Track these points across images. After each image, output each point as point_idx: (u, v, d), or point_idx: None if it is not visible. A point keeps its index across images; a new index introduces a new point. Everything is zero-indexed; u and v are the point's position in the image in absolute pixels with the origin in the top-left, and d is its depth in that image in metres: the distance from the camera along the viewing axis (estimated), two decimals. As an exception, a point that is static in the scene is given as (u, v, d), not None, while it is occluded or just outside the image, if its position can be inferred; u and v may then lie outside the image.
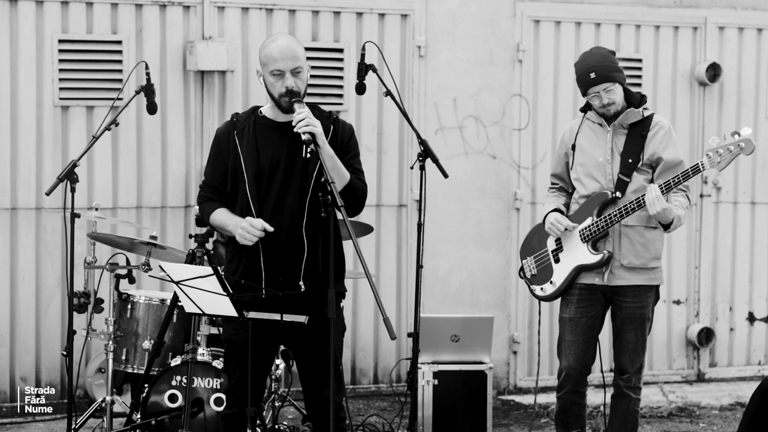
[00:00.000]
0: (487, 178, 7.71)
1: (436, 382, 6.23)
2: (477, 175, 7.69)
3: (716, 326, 8.23)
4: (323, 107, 4.74)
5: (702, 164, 5.15)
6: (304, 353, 4.65)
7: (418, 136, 5.45)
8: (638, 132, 5.33)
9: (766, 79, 8.23)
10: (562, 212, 5.46)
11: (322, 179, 4.34)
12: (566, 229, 5.35)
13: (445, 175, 5.43)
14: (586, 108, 5.47)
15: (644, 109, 5.37)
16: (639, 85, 7.98)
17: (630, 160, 5.30)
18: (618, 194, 5.29)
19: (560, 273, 5.45)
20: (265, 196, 4.54)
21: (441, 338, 6.27)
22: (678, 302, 8.18)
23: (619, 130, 5.35)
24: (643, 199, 5.19)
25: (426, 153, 5.41)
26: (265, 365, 4.67)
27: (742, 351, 8.33)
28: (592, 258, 5.33)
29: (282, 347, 5.94)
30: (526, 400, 7.54)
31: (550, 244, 5.51)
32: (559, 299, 5.53)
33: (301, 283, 4.52)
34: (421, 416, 6.15)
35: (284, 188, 4.53)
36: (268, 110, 4.64)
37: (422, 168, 5.43)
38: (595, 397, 6.73)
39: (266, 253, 4.52)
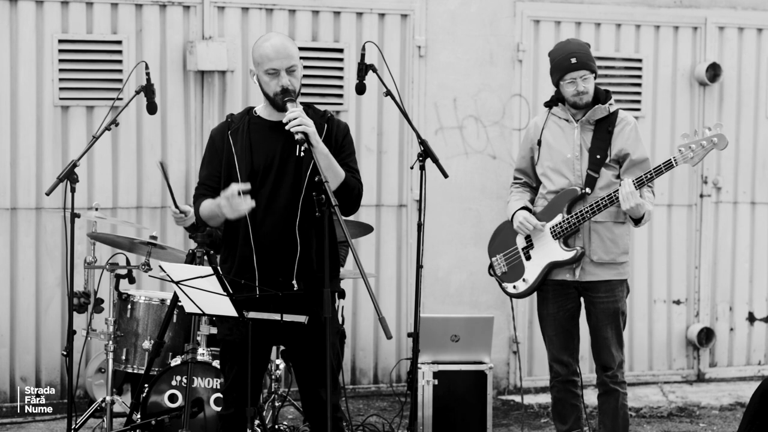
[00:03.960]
0: (487, 178, 7.71)
1: (436, 382, 6.24)
2: (477, 175, 7.69)
3: (716, 326, 8.24)
4: (323, 107, 4.74)
5: (674, 160, 5.18)
6: (298, 353, 4.64)
7: (418, 136, 5.45)
8: (605, 128, 5.37)
9: (766, 79, 8.23)
10: (529, 210, 5.49)
11: (316, 178, 4.32)
12: (535, 228, 5.38)
13: (445, 175, 5.44)
14: (551, 103, 5.50)
15: (610, 104, 5.40)
16: (639, 85, 7.99)
17: (598, 156, 5.35)
18: (587, 190, 5.32)
19: (532, 270, 5.48)
20: (257, 195, 4.52)
21: (441, 338, 6.28)
22: (678, 302, 8.18)
23: (586, 126, 5.40)
24: (615, 194, 5.21)
25: (426, 153, 5.42)
26: (260, 365, 4.66)
27: (742, 351, 8.33)
28: (566, 255, 5.37)
29: (282, 347, 5.95)
30: (527, 400, 7.54)
31: (520, 242, 5.54)
32: (537, 298, 5.58)
33: (294, 282, 4.51)
34: (421, 416, 6.15)
35: (277, 187, 4.52)
36: (262, 110, 4.64)
37: (422, 168, 5.44)
38: (594, 397, 6.73)
39: (259, 253, 4.51)
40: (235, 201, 4.35)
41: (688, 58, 8.08)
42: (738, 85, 8.19)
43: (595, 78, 5.38)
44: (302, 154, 4.50)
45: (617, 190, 5.21)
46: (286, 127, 4.38)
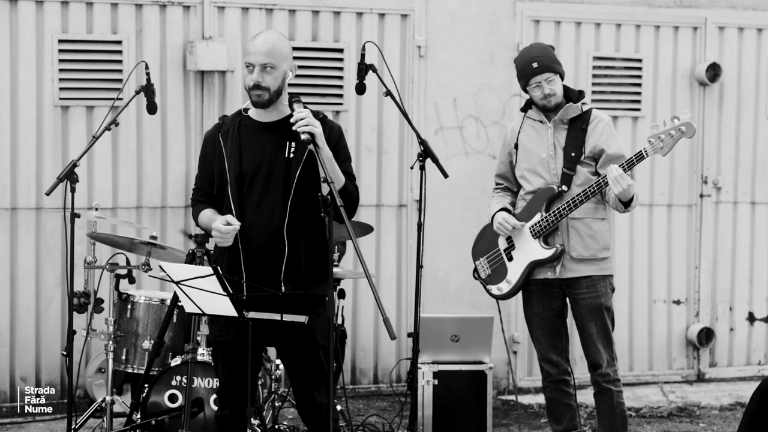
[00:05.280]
0: (487, 178, 7.70)
1: (436, 382, 6.23)
2: (477, 175, 7.69)
3: (716, 326, 8.23)
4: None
5: (645, 151, 5.22)
6: (290, 355, 4.65)
7: (418, 136, 5.45)
8: (578, 126, 5.41)
9: (766, 79, 8.23)
10: (509, 211, 5.51)
11: (322, 179, 4.33)
12: (514, 228, 5.40)
13: (445, 175, 5.44)
14: (526, 107, 5.55)
15: (582, 104, 5.44)
16: (639, 84, 7.99)
17: (572, 154, 5.38)
18: (564, 188, 5.35)
19: (515, 271, 5.51)
20: (246, 197, 4.53)
21: (441, 338, 6.28)
22: (678, 302, 8.18)
23: (560, 126, 5.44)
24: (589, 190, 5.26)
25: (426, 153, 5.42)
26: (252, 366, 4.61)
27: (742, 351, 8.33)
28: (545, 253, 5.39)
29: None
30: (527, 400, 7.55)
31: (502, 243, 5.57)
32: (522, 298, 5.59)
33: (281, 284, 4.50)
34: (421, 416, 6.15)
35: (266, 189, 4.52)
36: (252, 110, 4.64)
37: (422, 168, 5.44)
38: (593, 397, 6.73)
39: (246, 255, 4.51)
40: (226, 236, 4.42)
41: (688, 58, 8.08)
42: (738, 85, 8.19)
43: (561, 78, 5.41)
44: (292, 155, 4.51)
45: (604, 176, 5.22)
46: (294, 127, 4.38)
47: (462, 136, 7.68)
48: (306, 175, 4.49)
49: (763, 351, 8.38)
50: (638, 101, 7.99)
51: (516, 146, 5.53)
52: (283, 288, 4.49)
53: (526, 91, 5.46)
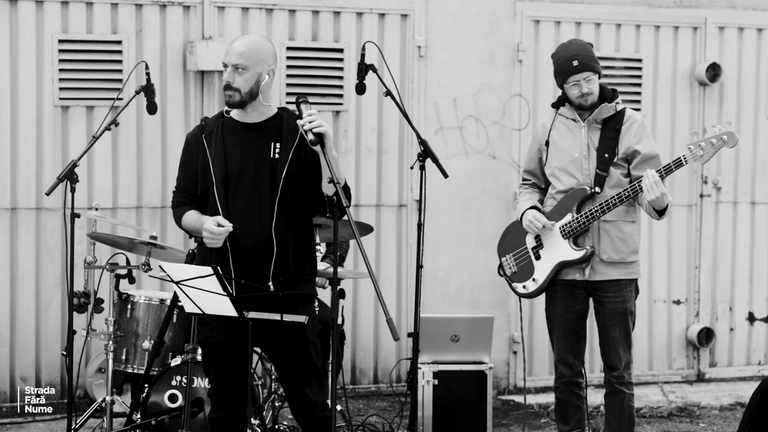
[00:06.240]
0: (487, 178, 7.71)
1: (436, 382, 6.23)
2: (477, 175, 7.69)
3: (716, 326, 8.23)
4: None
5: (684, 158, 5.17)
6: (279, 354, 4.65)
7: (418, 136, 5.45)
8: (612, 126, 5.35)
9: (766, 79, 8.23)
10: (538, 209, 5.47)
11: (328, 180, 4.33)
12: (544, 227, 5.36)
13: (445, 175, 5.43)
14: (558, 104, 5.49)
15: (617, 103, 5.39)
16: (639, 84, 7.98)
17: (606, 155, 5.32)
18: (597, 189, 5.31)
19: (542, 270, 5.47)
20: (233, 198, 4.53)
21: (441, 338, 6.27)
22: (678, 302, 8.18)
23: (593, 125, 5.38)
24: (638, 185, 5.19)
25: (426, 153, 5.42)
26: (243, 366, 4.60)
27: (742, 351, 8.33)
28: (575, 254, 5.35)
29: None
30: (527, 399, 7.54)
31: (530, 242, 5.53)
32: (545, 298, 5.56)
33: (270, 284, 4.50)
34: (421, 416, 6.15)
35: (252, 190, 4.52)
36: (234, 112, 4.64)
37: (422, 168, 5.43)
38: (595, 397, 6.73)
39: (235, 255, 4.51)
40: (218, 237, 4.42)
41: (688, 58, 8.08)
42: (738, 85, 8.18)
43: (599, 77, 5.37)
44: (277, 155, 4.51)
45: (639, 180, 5.17)
46: (305, 128, 4.37)
47: (462, 136, 7.68)
48: (292, 174, 4.50)
49: (763, 351, 8.38)
50: (638, 101, 7.98)
51: (547, 143, 5.47)
52: (272, 287, 4.50)
53: (562, 88, 5.39)
